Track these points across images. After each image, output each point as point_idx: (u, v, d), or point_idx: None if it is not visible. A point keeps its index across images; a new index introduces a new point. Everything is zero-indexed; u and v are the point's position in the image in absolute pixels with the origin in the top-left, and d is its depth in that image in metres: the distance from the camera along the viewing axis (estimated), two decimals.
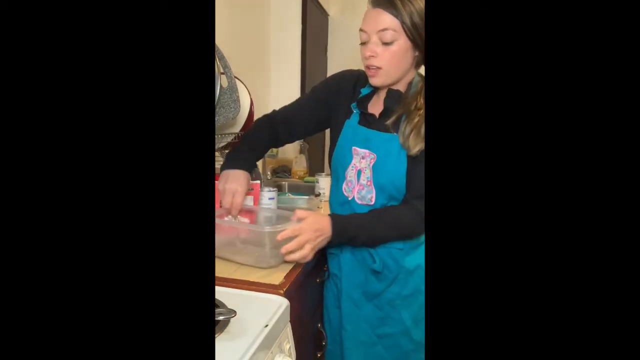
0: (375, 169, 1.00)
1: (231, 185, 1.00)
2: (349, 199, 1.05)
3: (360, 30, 0.95)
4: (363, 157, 1.01)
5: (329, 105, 1.10)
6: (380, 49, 0.93)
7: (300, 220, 0.94)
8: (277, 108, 1.17)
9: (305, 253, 0.93)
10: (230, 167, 1.04)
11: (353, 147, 1.03)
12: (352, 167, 1.03)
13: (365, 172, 1.01)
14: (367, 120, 1.04)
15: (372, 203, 1.02)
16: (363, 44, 0.96)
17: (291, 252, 0.92)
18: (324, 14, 2.84)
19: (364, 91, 1.06)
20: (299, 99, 1.18)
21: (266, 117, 1.16)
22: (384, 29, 0.91)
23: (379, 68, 0.95)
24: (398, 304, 1.03)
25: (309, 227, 0.93)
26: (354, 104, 1.06)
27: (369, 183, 1.01)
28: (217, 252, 1.00)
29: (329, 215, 0.98)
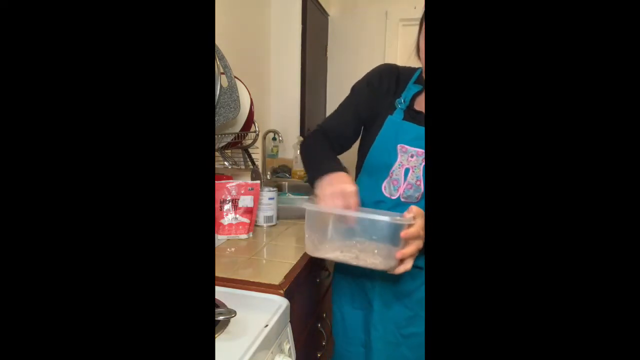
0: None
1: (339, 185, 0.85)
2: (392, 197, 1.00)
3: None
4: (412, 156, 0.97)
5: (371, 102, 1.05)
6: None
7: (415, 218, 0.80)
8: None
9: (410, 266, 0.80)
10: (326, 172, 0.89)
11: (399, 145, 0.98)
12: (399, 165, 0.99)
13: (415, 171, 0.97)
14: (412, 118, 0.99)
15: (418, 200, 0.99)
16: None
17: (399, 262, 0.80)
18: (324, 14, 2.84)
19: (413, 88, 1.01)
20: (342, 104, 1.10)
21: (318, 132, 1.08)
22: None
23: None
24: None
25: (422, 231, 0.79)
26: (399, 100, 1.01)
27: (418, 182, 0.97)
28: (315, 251, 0.86)
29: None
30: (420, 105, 1.01)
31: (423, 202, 0.97)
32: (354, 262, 0.83)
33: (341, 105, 1.11)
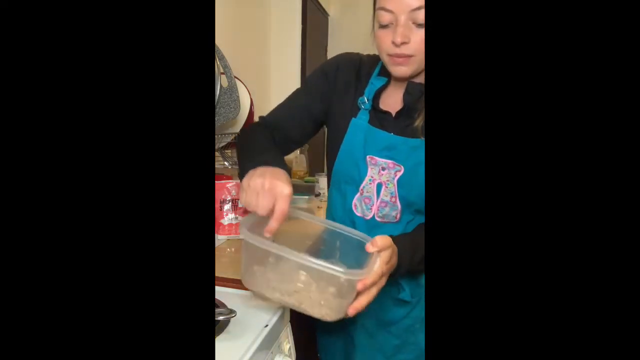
0: (401, 183, 0.84)
1: (273, 181, 0.66)
2: (366, 218, 0.88)
3: (383, 9, 0.75)
4: (384, 169, 0.85)
5: (326, 98, 0.91)
6: (413, 32, 0.74)
7: (380, 252, 0.68)
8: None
9: (362, 308, 0.68)
10: (260, 164, 0.71)
11: (368, 156, 0.85)
12: (370, 179, 0.86)
13: (389, 187, 0.85)
14: (379, 120, 0.86)
15: (397, 220, 0.87)
16: (385, 27, 0.77)
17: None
18: (324, 14, 2.84)
19: (376, 82, 0.87)
20: (289, 97, 0.95)
21: (258, 124, 0.93)
22: (419, 7, 0.71)
23: (409, 56, 0.76)
24: (417, 327, 0.92)
25: (384, 267, 0.68)
26: (361, 99, 0.87)
27: (393, 199, 0.85)
28: (250, 284, 0.71)
29: (394, 241, 0.73)
30: (386, 103, 0.87)
31: (403, 222, 0.87)
32: (299, 310, 0.70)
33: (289, 98, 0.94)
